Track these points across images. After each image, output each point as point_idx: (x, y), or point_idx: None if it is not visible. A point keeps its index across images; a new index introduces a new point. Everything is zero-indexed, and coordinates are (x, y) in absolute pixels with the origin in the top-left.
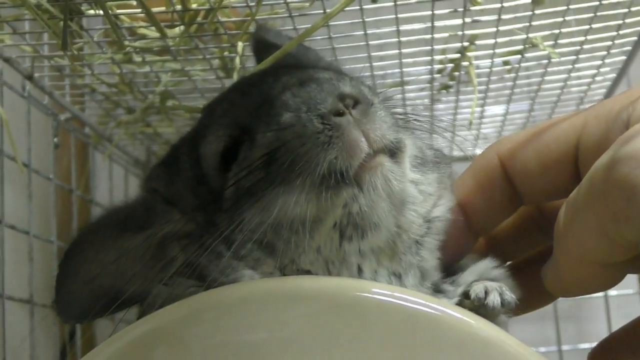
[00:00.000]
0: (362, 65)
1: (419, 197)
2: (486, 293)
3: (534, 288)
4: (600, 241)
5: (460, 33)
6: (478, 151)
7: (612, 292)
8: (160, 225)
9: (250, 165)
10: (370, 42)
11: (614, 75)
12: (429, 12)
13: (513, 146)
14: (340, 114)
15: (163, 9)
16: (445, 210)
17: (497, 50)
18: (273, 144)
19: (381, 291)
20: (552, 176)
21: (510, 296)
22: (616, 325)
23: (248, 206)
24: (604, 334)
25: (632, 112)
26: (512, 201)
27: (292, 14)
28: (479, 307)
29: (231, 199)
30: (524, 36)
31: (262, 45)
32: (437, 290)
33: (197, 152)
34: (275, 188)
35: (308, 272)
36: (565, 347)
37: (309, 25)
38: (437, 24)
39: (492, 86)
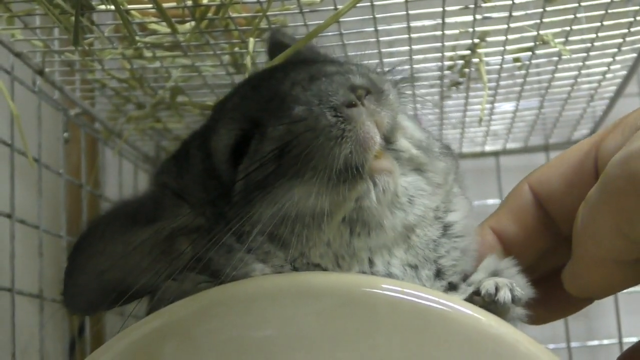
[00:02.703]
0: (372, 61)
1: (427, 188)
2: (497, 289)
3: (560, 297)
4: (616, 239)
5: (470, 30)
6: (488, 148)
7: None
8: (169, 219)
9: (261, 158)
10: (381, 39)
11: (624, 72)
12: (440, 9)
13: (541, 171)
14: (352, 105)
15: (174, 4)
16: (461, 216)
17: (508, 47)
18: (284, 137)
19: (390, 287)
20: (577, 192)
21: (521, 292)
22: (625, 323)
23: (258, 199)
24: (613, 331)
25: None
26: (547, 228)
27: (303, 10)
28: (490, 304)
29: (241, 192)
30: (535, 33)
31: (277, 48)
32: (452, 288)
33: (208, 146)
34: (286, 181)
35: (318, 266)
36: (574, 344)
37: (320, 22)
38: (447, 20)
39: (502, 83)
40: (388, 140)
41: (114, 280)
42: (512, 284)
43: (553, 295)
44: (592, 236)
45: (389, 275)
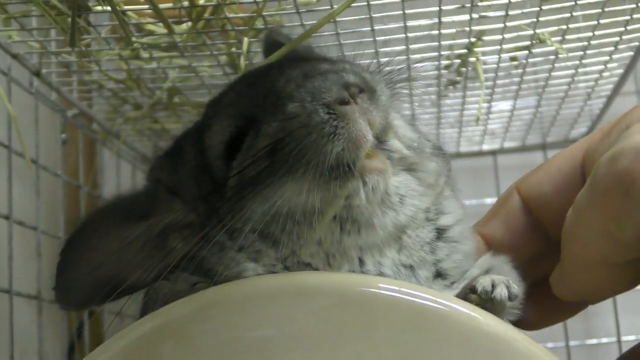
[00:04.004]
0: (368, 61)
1: (418, 188)
2: (493, 286)
3: (553, 302)
4: (604, 240)
5: (467, 29)
6: (485, 147)
7: None
8: (162, 214)
9: (255, 154)
10: (377, 38)
11: (621, 71)
12: (436, 8)
13: (530, 176)
14: (345, 102)
15: (170, 5)
16: (454, 220)
17: (505, 46)
18: (278, 133)
19: (388, 286)
20: (566, 197)
21: (517, 289)
22: (624, 321)
23: (251, 196)
24: (611, 329)
25: (631, 117)
26: (535, 233)
27: (299, 10)
28: (486, 301)
29: (234, 188)
30: (532, 32)
31: (273, 48)
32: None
33: (202, 142)
34: (278, 178)
35: (309, 265)
36: (572, 343)
37: (316, 21)
38: (444, 19)
39: (499, 82)
40: (379, 140)
41: (107, 275)
42: (509, 280)
43: (546, 301)
44: (579, 239)
45: (380, 275)
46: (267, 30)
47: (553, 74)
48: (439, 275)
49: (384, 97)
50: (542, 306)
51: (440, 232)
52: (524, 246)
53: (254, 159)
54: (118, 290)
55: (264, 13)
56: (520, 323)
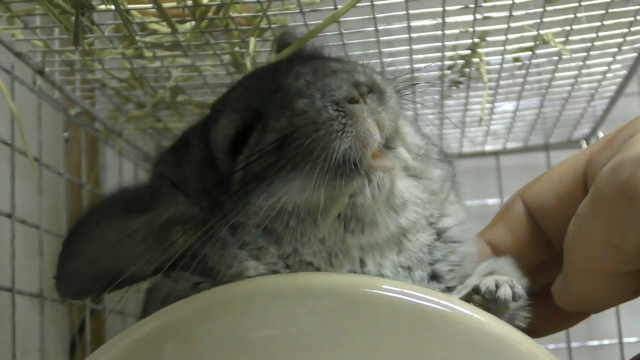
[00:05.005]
0: (372, 61)
1: (422, 196)
2: (497, 286)
3: (556, 310)
4: (606, 250)
5: (471, 29)
6: (488, 147)
7: None
8: (164, 207)
9: (262, 149)
10: (381, 38)
11: (624, 72)
12: (440, 9)
13: (533, 185)
14: (354, 101)
15: (174, 4)
16: (455, 222)
17: (508, 47)
18: (286, 129)
19: (391, 288)
20: (568, 207)
21: (521, 289)
22: (625, 323)
23: (256, 191)
24: (613, 331)
25: (634, 126)
26: (540, 241)
27: (303, 10)
28: (490, 301)
29: (239, 182)
30: (535, 33)
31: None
32: (449, 291)
33: (208, 136)
34: (285, 173)
35: (310, 264)
36: (574, 345)
37: (320, 21)
38: (448, 20)
39: (502, 82)
40: (387, 146)
41: (107, 267)
42: (512, 281)
43: (548, 310)
44: (582, 248)
45: (381, 276)
46: (282, 32)
47: (556, 74)
48: (434, 277)
49: (393, 100)
50: (544, 315)
51: (440, 233)
52: (528, 254)
53: (260, 154)
54: (117, 281)
55: (268, 13)
56: (522, 330)
